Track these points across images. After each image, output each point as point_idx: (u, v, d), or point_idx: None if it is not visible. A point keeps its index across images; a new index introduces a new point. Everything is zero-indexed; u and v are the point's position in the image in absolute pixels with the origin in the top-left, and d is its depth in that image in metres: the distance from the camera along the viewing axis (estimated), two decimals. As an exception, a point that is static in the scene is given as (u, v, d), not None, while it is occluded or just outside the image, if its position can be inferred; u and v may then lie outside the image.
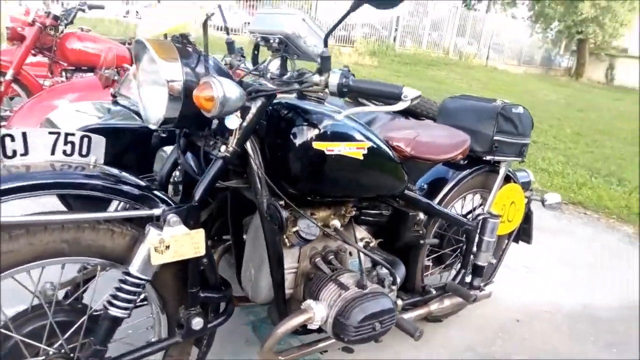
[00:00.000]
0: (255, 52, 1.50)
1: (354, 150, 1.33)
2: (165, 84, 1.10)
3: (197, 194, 1.19)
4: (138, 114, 1.90)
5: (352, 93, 1.17)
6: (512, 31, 21.90)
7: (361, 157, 1.35)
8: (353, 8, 1.14)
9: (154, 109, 1.17)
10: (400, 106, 1.13)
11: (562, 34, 22.57)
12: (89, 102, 1.96)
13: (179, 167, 1.37)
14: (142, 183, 1.19)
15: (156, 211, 1.13)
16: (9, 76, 3.31)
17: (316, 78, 1.20)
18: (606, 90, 20.87)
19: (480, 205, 2.15)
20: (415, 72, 14.68)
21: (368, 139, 1.39)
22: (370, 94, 1.17)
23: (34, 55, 3.51)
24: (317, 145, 1.27)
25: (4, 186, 0.96)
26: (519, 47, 22.45)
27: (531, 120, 2.02)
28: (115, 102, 2.02)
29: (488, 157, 1.92)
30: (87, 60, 3.56)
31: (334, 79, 1.17)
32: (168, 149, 1.57)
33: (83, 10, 3.50)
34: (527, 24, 22.69)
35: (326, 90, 1.18)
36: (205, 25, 1.21)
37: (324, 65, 1.19)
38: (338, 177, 1.37)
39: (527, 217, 2.21)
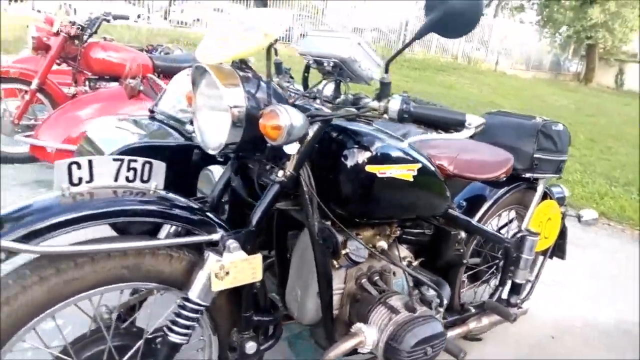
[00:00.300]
0: (306, 74, 1.50)
1: (405, 172, 1.32)
2: (227, 110, 1.10)
3: (255, 219, 1.18)
4: (176, 129, 1.91)
5: (413, 119, 1.15)
6: (520, 36, 21.87)
7: (411, 179, 1.34)
8: (419, 35, 1.13)
9: (214, 134, 1.16)
10: (464, 134, 1.12)
11: (571, 39, 22.51)
12: (129, 118, 1.96)
13: (229, 189, 1.37)
14: (197, 206, 1.19)
15: (215, 236, 1.13)
16: (34, 85, 3.33)
17: (375, 104, 1.19)
18: (615, 95, 20.76)
19: (512, 220, 2.14)
20: (425, 77, 14.66)
21: (417, 160, 1.38)
22: (433, 121, 1.16)
23: (58, 64, 3.52)
24: (369, 168, 1.26)
25: (68, 216, 0.96)
26: (528, 52, 22.41)
27: (569, 136, 2.01)
28: (153, 118, 2.02)
29: (527, 175, 1.91)
30: (111, 70, 3.57)
31: (395, 104, 1.16)
32: (214, 168, 1.57)
33: (108, 20, 3.52)
34: (535, 29, 22.62)
35: (385, 115, 1.17)
36: (269, 51, 1.21)
37: (384, 90, 1.17)
38: (388, 199, 1.36)
39: (562, 233, 2.20)
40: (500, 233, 2.01)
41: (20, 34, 9.68)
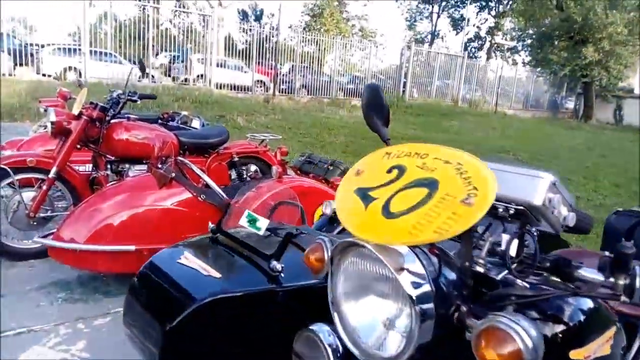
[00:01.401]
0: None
1: (605, 346, 0.97)
2: (408, 302, 0.75)
3: None
4: (249, 259, 1.53)
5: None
6: (516, 77, 22.13)
7: (609, 352, 0.99)
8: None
9: (382, 337, 0.81)
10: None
11: (567, 78, 22.80)
12: (188, 248, 1.58)
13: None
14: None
15: None
16: (52, 174, 3.01)
17: (609, 280, 0.82)
18: (617, 131, 20.82)
19: None
20: (429, 123, 14.57)
21: (611, 319, 1.03)
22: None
23: (78, 149, 3.22)
24: (574, 355, 0.90)
25: None
26: (525, 92, 22.62)
27: None
28: (216, 241, 1.67)
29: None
30: (135, 151, 3.28)
31: None
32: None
33: (134, 101, 3.25)
34: (530, 69, 22.92)
35: (623, 298, 0.80)
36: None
37: (622, 262, 0.81)
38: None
39: None
40: None
41: (26, 99, 9.57)
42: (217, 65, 14.11)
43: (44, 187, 3.03)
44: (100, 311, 2.55)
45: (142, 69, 3.36)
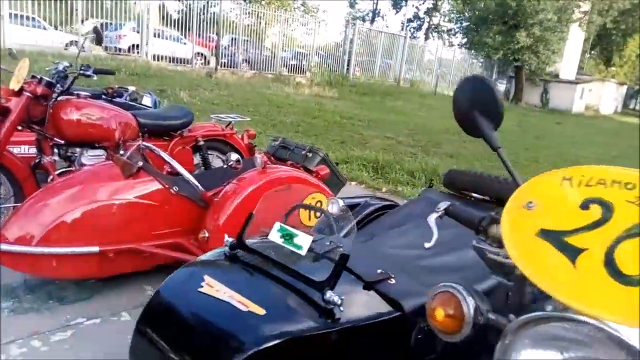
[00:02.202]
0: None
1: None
2: None
3: None
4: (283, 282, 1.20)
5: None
6: (454, 59, 22.70)
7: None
8: None
9: None
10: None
11: (499, 62, 23.69)
12: (207, 270, 1.22)
13: None
14: None
15: None
16: (-13, 161, 2.55)
17: None
18: (544, 113, 22.03)
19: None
20: (374, 103, 14.58)
21: None
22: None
23: (19, 130, 2.75)
24: None
25: None
26: (461, 74, 23.27)
27: None
28: (236, 259, 1.30)
29: None
30: (88, 134, 2.85)
31: None
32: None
33: (88, 76, 2.79)
34: (466, 52, 23.56)
35: None
36: None
37: None
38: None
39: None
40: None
41: None
42: (154, 36, 13.19)
43: (-23, 176, 2.56)
44: (58, 323, 2.19)
45: (99, 37, 2.90)
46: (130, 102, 4.07)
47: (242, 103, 10.40)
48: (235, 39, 15.62)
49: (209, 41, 15.09)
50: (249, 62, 15.99)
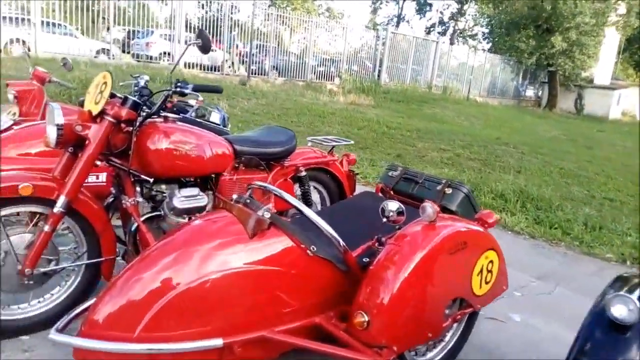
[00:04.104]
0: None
1: None
2: None
3: None
4: None
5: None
6: (485, 64, 21.88)
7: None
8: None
9: None
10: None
11: (532, 66, 22.87)
12: None
13: None
14: None
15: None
16: (60, 207, 1.93)
17: None
18: (579, 120, 21.09)
19: None
20: (412, 110, 13.89)
21: None
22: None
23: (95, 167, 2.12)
24: None
25: None
26: (492, 80, 22.47)
27: None
28: None
29: None
30: (179, 168, 2.23)
31: None
32: None
33: (184, 95, 2.17)
34: (499, 57, 22.73)
35: None
36: None
37: None
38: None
39: None
40: None
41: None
42: (184, 43, 12.68)
43: (46, 228, 1.93)
44: None
45: (206, 46, 2.25)
46: (197, 120, 3.46)
47: (282, 113, 9.81)
48: (261, 45, 15.08)
49: (235, 47, 14.59)
50: (277, 69, 15.43)
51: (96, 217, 2.06)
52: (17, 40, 9.66)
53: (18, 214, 1.97)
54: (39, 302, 2.08)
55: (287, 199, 1.81)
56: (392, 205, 1.80)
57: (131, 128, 2.11)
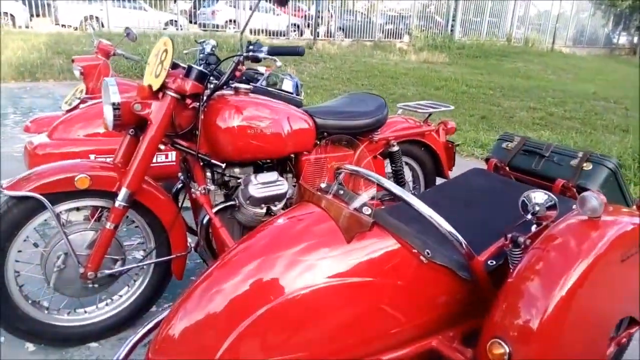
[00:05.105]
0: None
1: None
2: None
3: None
4: None
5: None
6: (571, 10, 19.71)
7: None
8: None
9: None
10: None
11: (627, 10, 20.37)
12: None
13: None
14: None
15: None
16: (122, 200, 1.65)
17: None
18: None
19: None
20: (491, 66, 12.79)
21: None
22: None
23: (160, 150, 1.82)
24: None
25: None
26: (580, 28, 20.28)
27: None
28: None
29: None
30: (256, 150, 1.88)
31: None
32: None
33: (258, 61, 1.79)
34: (587, 2, 20.39)
35: None
36: None
37: None
38: None
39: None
40: None
41: (47, 54, 8.08)
42: (249, 9, 12.35)
43: (108, 225, 1.67)
44: None
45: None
46: (270, 89, 3.09)
47: (352, 76, 9.28)
48: (325, 5, 14.43)
49: (297, 10, 14.08)
50: (343, 30, 14.75)
51: (164, 211, 1.77)
52: (91, 17, 9.77)
53: (77, 209, 1.72)
54: (106, 304, 1.85)
55: (396, 192, 1.39)
56: (539, 197, 1.33)
57: (197, 104, 1.77)
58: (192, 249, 2.00)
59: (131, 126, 1.73)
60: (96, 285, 1.73)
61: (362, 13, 15.76)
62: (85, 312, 1.81)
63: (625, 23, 22.03)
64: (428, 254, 1.37)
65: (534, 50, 16.57)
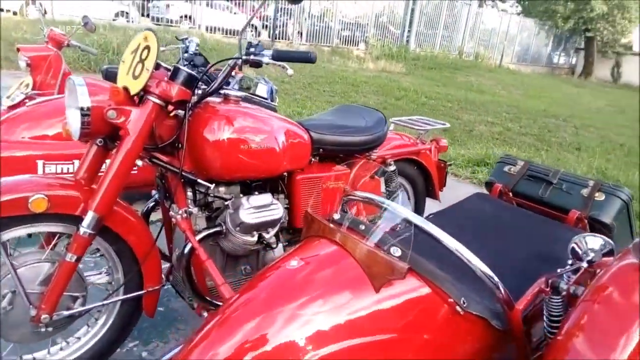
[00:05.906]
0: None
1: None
2: None
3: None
4: None
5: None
6: (519, 29, 20.59)
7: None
8: None
9: None
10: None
11: (569, 32, 21.55)
12: None
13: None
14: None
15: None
16: (87, 227, 1.35)
17: None
18: (616, 89, 19.84)
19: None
20: (446, 78, 13.04)
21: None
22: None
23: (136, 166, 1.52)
24: None
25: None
26: (525, 46, 21.22)
27: None
28: None
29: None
30: (248, 168, 1.62)
31: None
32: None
33: (259, 66, 1.54)
34: (534, 22, 21.36)
35: None
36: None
37: None
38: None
39: None
40: None
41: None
42: (206, 5, 11.92)
43: (68, 257, 1.36)
44: None
45: None
46: (252, 95, 2.82)
47: (313, 81, 9.09)
48: (282, 8, 14.20)
49: (252, 10, 13.78)
50: (300, 34, 14.57)
51: (137, 240, 1.48)
52: (33, 1, 9.00)
53: (30, 235, 1.39)
54: (61, 349, 1.53)
55: (432, 232, 1.18)
56: (594, 242, 1.18)
57: (181, 112, 1.50)
58: (165, 279, 1.72)
59: (100, 135, 1.43)
60: (50, 329, 1.41)
61: (316, 17, 15.64)
62: (34, 359, 1.48)
63: (565, 44, 23.29)
64: (464, 303, 1.18)
65: (484, 65, 17.10)
